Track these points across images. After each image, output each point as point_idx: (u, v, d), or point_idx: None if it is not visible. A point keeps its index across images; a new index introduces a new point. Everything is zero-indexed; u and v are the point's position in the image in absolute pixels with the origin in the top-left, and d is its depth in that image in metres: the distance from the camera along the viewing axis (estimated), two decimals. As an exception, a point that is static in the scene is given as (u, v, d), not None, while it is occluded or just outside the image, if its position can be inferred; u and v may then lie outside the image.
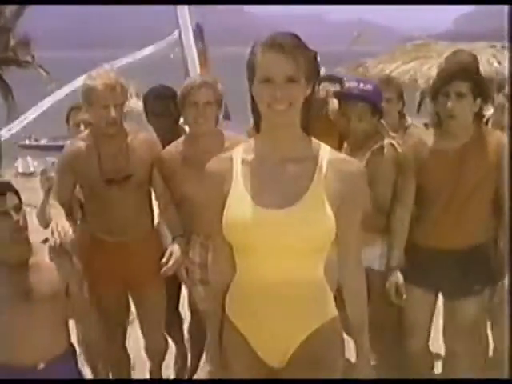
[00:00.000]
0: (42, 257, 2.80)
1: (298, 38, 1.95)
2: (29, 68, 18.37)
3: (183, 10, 5.16)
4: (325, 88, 3.80)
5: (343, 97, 3.38)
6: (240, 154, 2.07)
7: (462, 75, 3.04)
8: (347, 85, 3.42)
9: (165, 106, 3.59)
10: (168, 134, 3.46)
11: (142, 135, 3.25)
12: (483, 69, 3.44)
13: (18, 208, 2.70)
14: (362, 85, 3.30)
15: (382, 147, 3.22)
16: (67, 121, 3.83)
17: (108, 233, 3.21)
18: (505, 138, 3.09)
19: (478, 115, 3.05)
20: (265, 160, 2.04)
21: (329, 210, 1.99)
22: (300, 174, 2.01)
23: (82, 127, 3.61)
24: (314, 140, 2.07)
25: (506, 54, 10.34)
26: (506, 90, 3.51)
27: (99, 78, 3.08)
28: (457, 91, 2.97)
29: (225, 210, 2.02)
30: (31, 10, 18.92)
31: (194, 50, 4.80)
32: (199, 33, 9.88)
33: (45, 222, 3.36)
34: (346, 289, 2.15)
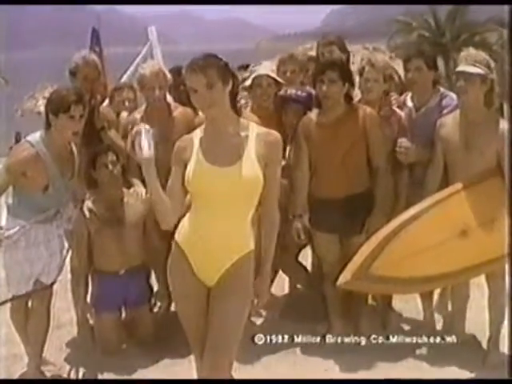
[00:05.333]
0: (128, 197, 4.00)
1: (210, 56, 2.61)
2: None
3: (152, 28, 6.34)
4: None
5: (284, 100, 4.16)
6: (198, 134, 2.72)
7: (332, 66, 3.81)
8: (288, 92, 4.17)
9: None
10: None
11: (180, 108, 4.17)
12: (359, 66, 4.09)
13: (114, 163, 3.87)
14: (299, 92, 4.16)
15: None
16: (111, 99, 4.71)
17: None
18: (371, 110, 3.82)
19: (347, 96, 3.82)
20: (212, 137, 2.68)
21: (257, 168, 2.60)
22: (237, 144, 2.63)
23: (126, 103, 4.63)
24: (243, 120, 2.72)
25: (377, 54, 11.67)
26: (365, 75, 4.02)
27: (147, 68, 4.13)
28: (329, 78, 3.74)
29: (187, 170, 2.65)
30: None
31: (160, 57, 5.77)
32: (96, 37, 9.87)
33: None
34: (267, 224, 2.76)
